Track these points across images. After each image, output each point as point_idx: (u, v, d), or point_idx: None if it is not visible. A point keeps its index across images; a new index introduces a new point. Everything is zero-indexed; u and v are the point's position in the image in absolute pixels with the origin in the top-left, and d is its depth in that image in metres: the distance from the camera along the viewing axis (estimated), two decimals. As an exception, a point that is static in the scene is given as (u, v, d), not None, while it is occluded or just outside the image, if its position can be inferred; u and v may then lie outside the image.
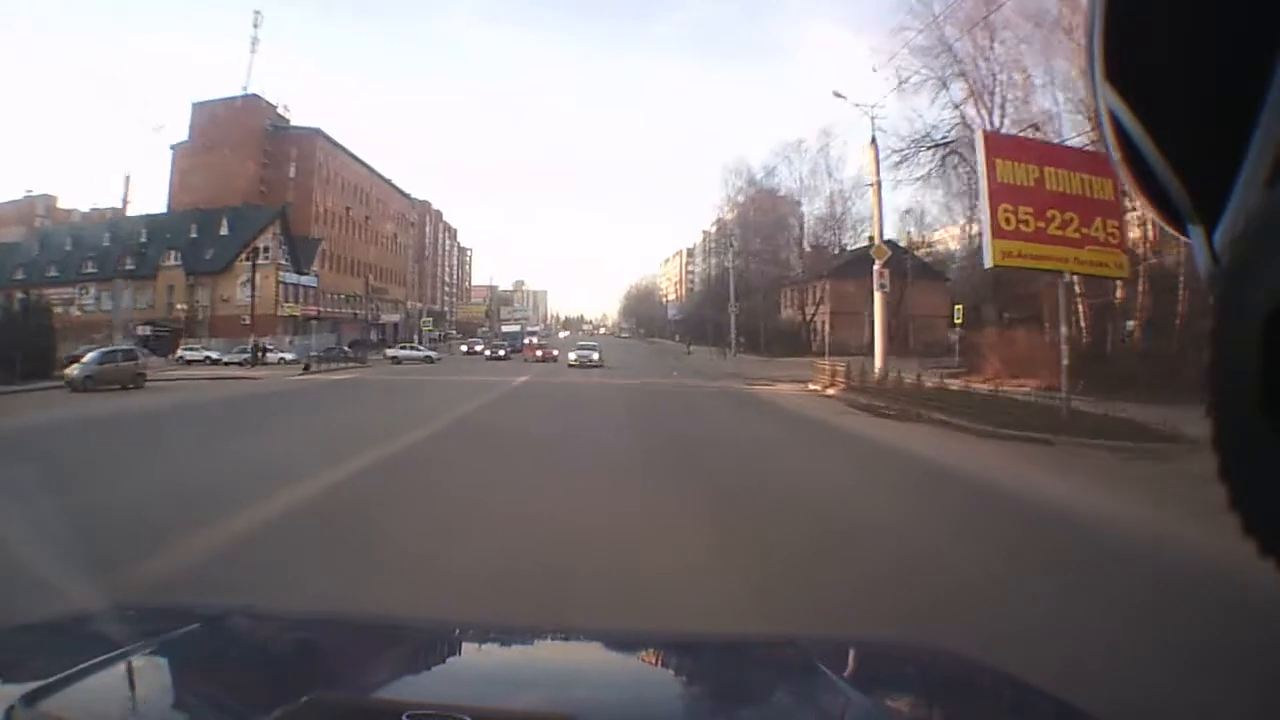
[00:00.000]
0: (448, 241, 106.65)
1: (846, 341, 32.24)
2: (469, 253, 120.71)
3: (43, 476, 6.60)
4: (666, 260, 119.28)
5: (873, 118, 23.37)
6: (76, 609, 2.10)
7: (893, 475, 9.08)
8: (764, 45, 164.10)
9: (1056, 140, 19.92)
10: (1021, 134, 20.56)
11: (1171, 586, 4.43)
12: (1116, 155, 0.46)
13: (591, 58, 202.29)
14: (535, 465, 8.82)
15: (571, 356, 38.53)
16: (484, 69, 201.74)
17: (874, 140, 23.22)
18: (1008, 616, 3.83)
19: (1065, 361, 12.22)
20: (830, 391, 20.67)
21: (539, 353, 46.04)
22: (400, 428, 11.63)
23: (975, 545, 5.60)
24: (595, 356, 37.72)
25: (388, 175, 75.42)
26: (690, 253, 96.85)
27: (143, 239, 53.95)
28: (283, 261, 54.01)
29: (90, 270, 52.48)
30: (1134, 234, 17.10)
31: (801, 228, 52.93)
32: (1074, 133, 20.89)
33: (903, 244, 37.60)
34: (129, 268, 50.74)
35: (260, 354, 38.39)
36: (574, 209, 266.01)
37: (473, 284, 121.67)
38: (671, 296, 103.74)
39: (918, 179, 33.39)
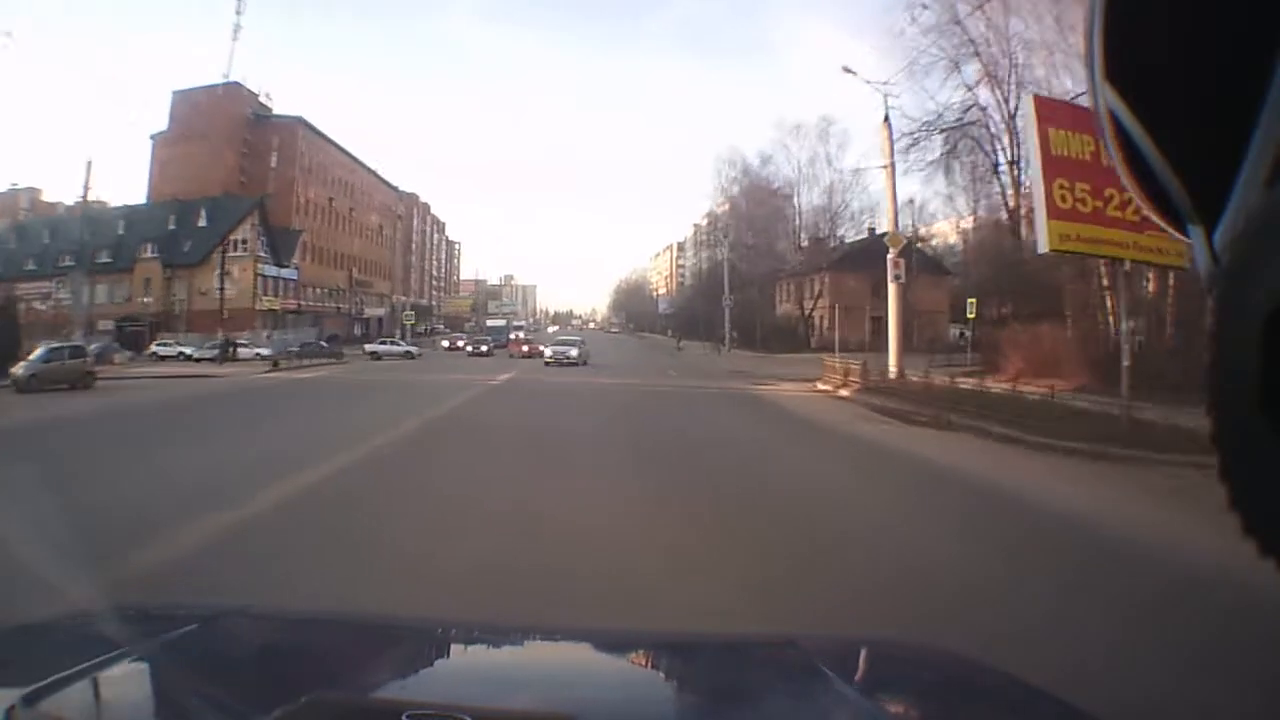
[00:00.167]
0: (436, 235, 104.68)
1: (847, 337, 30.88)
2: (458, 246, 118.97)
3: None
4: (657, 254, 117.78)
5: (885, 95, 21.62)
6: (76, 609, 2.00)
7: (979, 524, 6.36)
8: (759, 41, 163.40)
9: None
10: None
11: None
12: (1116, 155, 0.46)
13: (587, 56, 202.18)
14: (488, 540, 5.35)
15: (547, 353, 34.48)
16: (480, 67, 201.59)
17: (887, 118, 21.55)
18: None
19: (1126, 362, 10.39)
20: (844, 393, 18.72)
21: (524, 348, 44.78)
22: (318, 453, 8.78)
23: (1158, 652, 3.45)
24: (574, 354, 32.40)
25: (373, 166, 73.76)
26: (681, 246, 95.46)
27: (120, 231, 52.45)
28: (262, 254, 52.92)
29: (67, 264, 50.49)
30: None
31: (800, 218, 51.43)
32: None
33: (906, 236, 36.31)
34: (105, 260, 49.27)
35: (232, 350, 36.55)
36: (566, 205, 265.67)
37: (461, 278, 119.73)
38: (662, 291, 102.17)
39: (930, 163, 32.22)
